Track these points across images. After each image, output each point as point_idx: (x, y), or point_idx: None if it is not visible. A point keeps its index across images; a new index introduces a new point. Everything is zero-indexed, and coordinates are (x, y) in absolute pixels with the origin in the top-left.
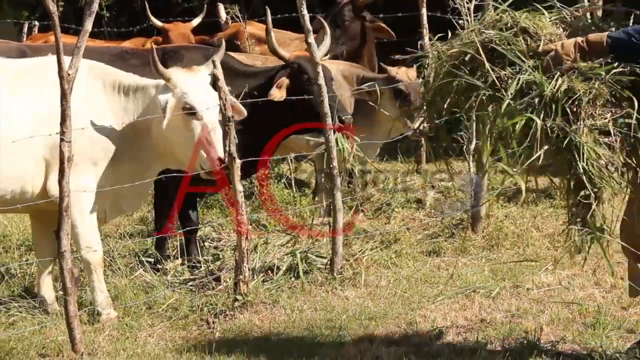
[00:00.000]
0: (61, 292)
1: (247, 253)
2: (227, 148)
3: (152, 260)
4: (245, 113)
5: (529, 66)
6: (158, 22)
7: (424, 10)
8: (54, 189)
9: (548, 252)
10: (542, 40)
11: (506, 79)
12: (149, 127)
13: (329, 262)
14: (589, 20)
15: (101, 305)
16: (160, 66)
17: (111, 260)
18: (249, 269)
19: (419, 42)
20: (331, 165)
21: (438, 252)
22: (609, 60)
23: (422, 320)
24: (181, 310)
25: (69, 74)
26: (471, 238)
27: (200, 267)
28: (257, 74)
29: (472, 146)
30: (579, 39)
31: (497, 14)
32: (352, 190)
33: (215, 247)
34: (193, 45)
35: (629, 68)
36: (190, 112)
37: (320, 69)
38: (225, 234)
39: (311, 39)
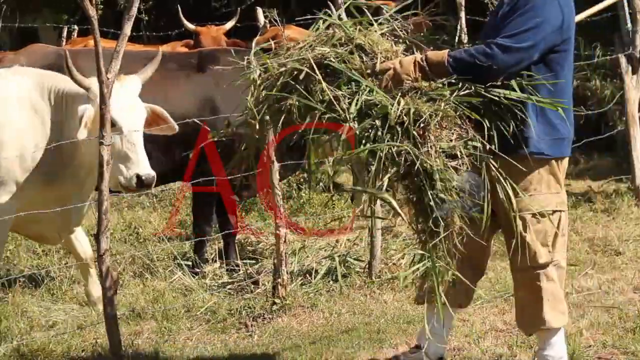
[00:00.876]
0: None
1: (286, 256)
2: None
3: (190, 263)
4: (176, 129)
5: (366, 86)
6: (190, 25)
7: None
8: None
9: (587, 256)
10: (378, 57)
11: (344, 98)
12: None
13: (367, 266)
14: (422, 34)
15: None
16: (77, 74)
17: (150, 264)
18: (287, 273)
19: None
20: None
21: None
22: (453, 81)
23: (461, 324)
24: (219, 313)
25: (108, 78)
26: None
27: (239, 270)
28: None
29: None
30: (418, 57)
31: (330, 28)
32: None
33: (254, 251)
34: (229, 48)
35: (473, 88)
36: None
37: None
38: (264, 238)
39: None
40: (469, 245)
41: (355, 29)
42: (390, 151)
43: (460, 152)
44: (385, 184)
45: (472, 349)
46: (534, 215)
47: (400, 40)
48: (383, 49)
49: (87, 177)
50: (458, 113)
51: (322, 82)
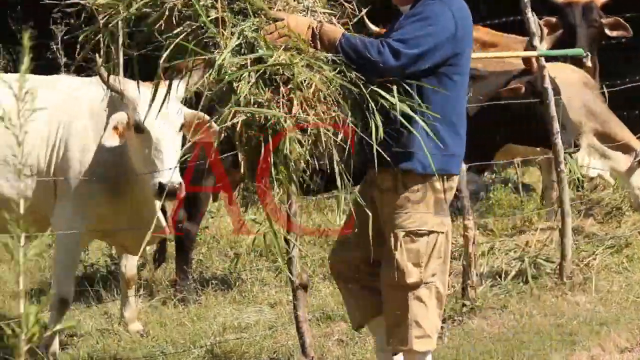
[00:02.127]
0: (290, 297)
1: (475, 258)
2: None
3: None
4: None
5: (253, 24)
6: (374, 27)
7: None
8: None
9: None
10: (277, 3)
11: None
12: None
13: (558, 267)
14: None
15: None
16: (110, 79)
17: None
18: (476, 274)
19: None
20: (559, 169)
21: None
22: (338, 61)
23: None
24: None
25: None
26: None
27: None
28: (484, 77)
29: None
30: (315, 23)
31: None
32: (582, 194)
33: None
34: None
35: (353, 76)
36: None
37: (547, 77)
38: (453, 239)
39: (536, 42)
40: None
41: None
42: (249, 95)
43: (317, 131)
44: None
45: None
46: (407, 233)
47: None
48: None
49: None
50: (329, 91)
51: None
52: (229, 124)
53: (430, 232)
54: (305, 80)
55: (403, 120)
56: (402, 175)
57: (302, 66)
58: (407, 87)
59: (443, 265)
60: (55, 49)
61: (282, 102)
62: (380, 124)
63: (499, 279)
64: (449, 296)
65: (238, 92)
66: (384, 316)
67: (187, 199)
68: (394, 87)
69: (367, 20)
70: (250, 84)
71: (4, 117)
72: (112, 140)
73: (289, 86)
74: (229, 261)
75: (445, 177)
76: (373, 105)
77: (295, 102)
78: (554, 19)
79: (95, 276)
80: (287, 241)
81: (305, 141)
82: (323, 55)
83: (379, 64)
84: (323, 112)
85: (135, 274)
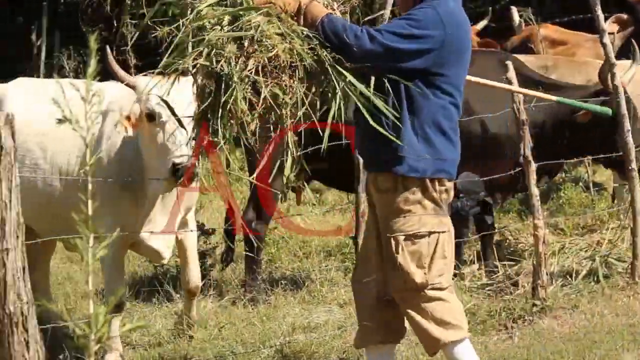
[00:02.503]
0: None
1: (545, 257)
2: (521, 152)
3: None
4: None
5: None
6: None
7: None
8: None
9: None
10: None
11: None
12: None
13: (629, 267)
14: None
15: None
16: (120, 72)
17: None
18: (547, 274)
19: None
20: (630, 167)
21: None
22: (315, 39)
23: None
24: (479, 315)
25: None
26: None
27: (498, 271)
28: (561, 87)
29: None
30: (304, 0)
31: None
32: None
33: (513, 252)
34: (487, 50)
35: (329, 57)
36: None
37: (619, 80)
38: (523, 239)
39: (606, 39)
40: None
41: None
42: (215, 44)
43: (271, 103)
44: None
45: None
46: (407, 237)
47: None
48: None
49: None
50: (294, 64)
51: None
52: (190, 63)
53: (431, 232)
54: (270, 46)
55: (397, 120)
56: (401, 178)
57: (274, 33)
58: (390, 86)
59: (449, 265)
60: (125, 51)
61: (242, 59)
62: (343, 109)
63: (569, 279)
64: (519, 296)
65: (207, 37)
66: (408, 323)
67: (256, 199)
68: (372, 80)
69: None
70: (218, 36)
71: (71, 119)
72: (124, 130)
73: (254, 47)
74: (298, 261)
75: (438, 180)
76: (338, 88)
77: (251, 62)
78: (625, 16)
79: (165, 276)
80: (355, 242)
81: (256, 104)
82: (300, 29)
83: (353, 47)
84: (283, 84)
85: (197, 286)
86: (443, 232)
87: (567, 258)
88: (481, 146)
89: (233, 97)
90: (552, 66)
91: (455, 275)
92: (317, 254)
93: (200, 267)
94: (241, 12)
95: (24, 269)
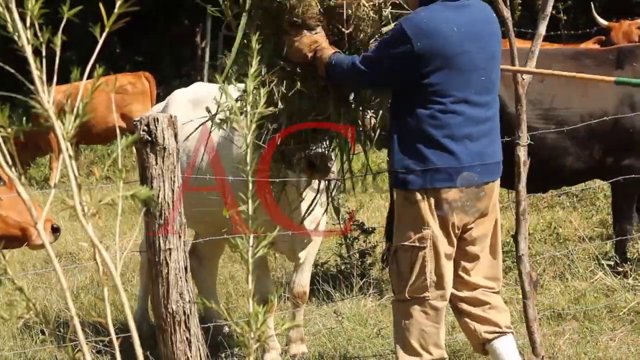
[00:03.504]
0: (520, 296)
1: None
2: None
3: (612, 263)
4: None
5: None
6: (603, 21)
7: None
8: None
9: None
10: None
11: None
12: None
13: None
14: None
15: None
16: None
17: (570, 264)
18: None
19: None
20: None
21: None
22: None
23: None
24: None
25: (523, 79)
26: None
27: None
28: None
29: None
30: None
31: None
32: None
33: None
34: None
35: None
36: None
37: None
38: None
39: None
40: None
41: None
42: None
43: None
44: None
45: None
46: (395, 248)
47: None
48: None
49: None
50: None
51: None
52: None
53: (413, 247)
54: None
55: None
56: (396, 191)
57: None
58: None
59: (433, 282)
60: None
61: None
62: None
63: None
64: None
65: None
66: None
67: None
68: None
69: (595, 13)
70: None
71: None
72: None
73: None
74: None
75: (431, 190)
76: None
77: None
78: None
79: (325, 275)
80: (515, 240)
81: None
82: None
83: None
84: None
85: (304, 292)
86: (423, 247)
87: None
88: None
89: None
90: None
91: (619, 273)
92: None
93: (360, 266)
94: None
95: (186, 268)
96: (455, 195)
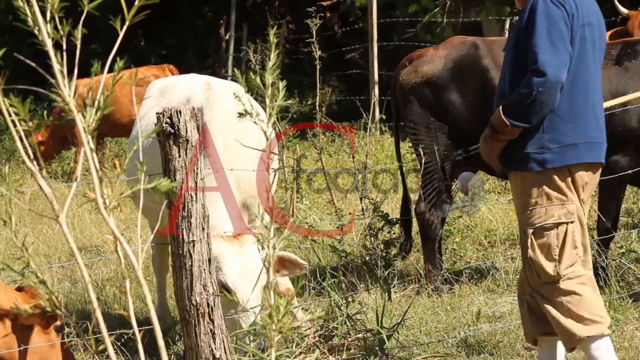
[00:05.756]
0: None
1: None
2: None
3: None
4: (304, 268)
5: None
6: (623, 10)
7: None
8: None
9: None
10: None
11: None
12: None
13: None
14: None
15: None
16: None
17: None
18: None
19: None
20: None
21: None
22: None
23: None
24: None
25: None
26: None
27: None
28: None
29: None
30: (487, 132)
31: None
32: None
33: None
34: None
35: None
36: None
37: None
38: None
39: None
40: None
41: None
42: None
43: None
44: None
45: None
46: (535, 229)
47: None
48: None
49: None
50: None
51: None
52: None
53: (558, 223)
54: None
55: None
56: (521, 175)
57: None
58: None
59: (582, 254)
60: (311, 43)
61: None
62: None
63: None
64: None
65: None
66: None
67: (427, 190)
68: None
69: (616, 1)
70: None
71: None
72: None
73: None
74: (483, 250)
75: (567, 167)
76: None
77: None
78: None
79: (349, 266)
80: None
81: None
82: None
83: (532, 94)
84: None
85: (287, 288)
86: (571, 222)
87: None
88: None
89: None
90: None
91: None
92: (502, 243)
93: (384, 257)
94: None
95: (209, 260)
96: (587, 170)
